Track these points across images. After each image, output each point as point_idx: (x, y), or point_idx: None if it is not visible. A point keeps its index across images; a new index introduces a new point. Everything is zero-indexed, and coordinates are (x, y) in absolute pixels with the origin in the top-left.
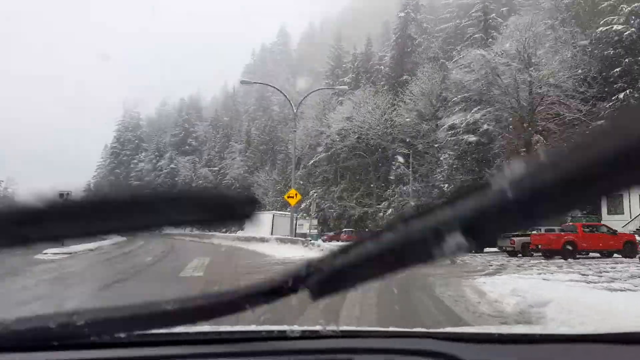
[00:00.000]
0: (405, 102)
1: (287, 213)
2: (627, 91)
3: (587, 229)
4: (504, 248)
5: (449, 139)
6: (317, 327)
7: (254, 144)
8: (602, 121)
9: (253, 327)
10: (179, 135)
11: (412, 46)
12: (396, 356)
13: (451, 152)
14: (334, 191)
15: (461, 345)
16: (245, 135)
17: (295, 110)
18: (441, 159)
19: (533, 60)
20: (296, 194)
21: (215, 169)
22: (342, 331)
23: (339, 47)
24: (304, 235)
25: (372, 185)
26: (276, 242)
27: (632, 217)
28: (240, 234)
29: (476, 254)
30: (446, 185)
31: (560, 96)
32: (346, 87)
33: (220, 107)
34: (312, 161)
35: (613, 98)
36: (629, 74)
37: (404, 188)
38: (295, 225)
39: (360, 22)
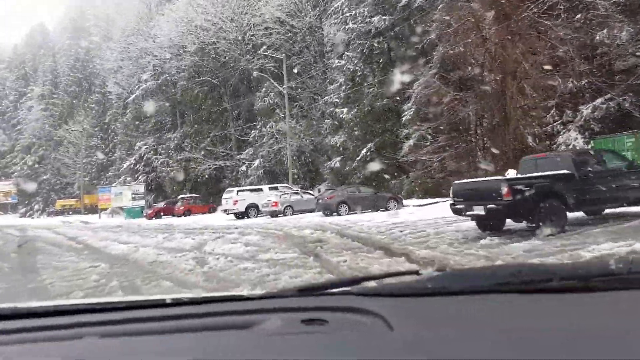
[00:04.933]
0: None
1: None
2: None
3: None
4: None
5: (346, 29)
6: (225, 293)
7: (61, 85)
8: None
9: (158, 297)
10: None
11: None
12: (310, 313)
13: (351, 54)
14: (171, 139)
15: (380, 300)
16: (50, 75)
17: None
18: (335, 66)
19: None
20: None
21: (8, 124)
22: (257, 294)
23: None
24: (120, 210)
25: (228, 126)
26: None
27: None
28: None
29: None
30: (345, 110)
31: None
32: None
33: (23, 45)
34: (132, 97)
35: None
36: None
37: (278, 126)
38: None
39: None
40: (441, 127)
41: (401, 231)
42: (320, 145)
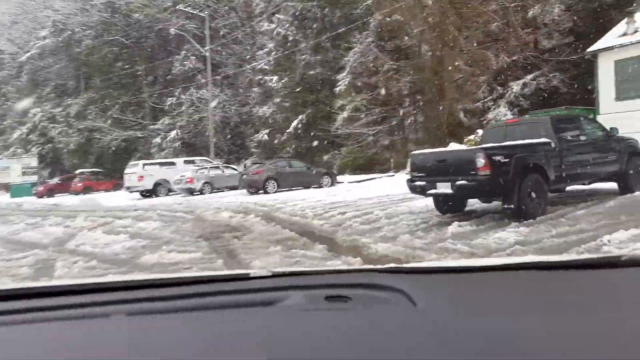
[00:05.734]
0: None
1: None
2: None
3: None
4: None
5: None
6: (249, 270)
7: None
8: None
9: (183, 274)
10: None
11: None
12: (333, 290)
13: (282, 17)
14: (72, 105)
15: (402, 277)
16: None
17: None
18: (264, 30)
19: None
20: None
21: None
22: (280, 272)
23: None
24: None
25: (142, 92)
26: None
27: None
28: None
29: None
30: (274, 78)
31: None
32: None
33: None
34: (27, 55)
35: None
36: None
37: (199, 93)
38: None
39: None
40: (377, 99)
41: (343, 213)
42: (248, 116)
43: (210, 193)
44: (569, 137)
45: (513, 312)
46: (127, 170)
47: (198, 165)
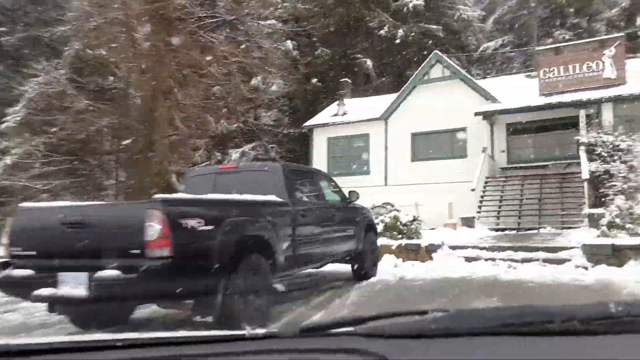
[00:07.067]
0: None
1: None
2: None
3: None
4: None
5: None
6: (231, 332)
7: None
8: None
9: (176, 334)
10: None
11: None
12: (313, 355)
13: None
14: None
15: (382, 341)
16: None
17: None
18: None
19: None
20: None
21: None
22: (262, 334)
23: None
24: None
25: None
26: None
27: None
28: None
29: None
30: None
31: None
32: None
33: None
34: None
35: None
36: None
37: None
38: None
39: None
40: (61, 145)
41: None
42: None
43: None
44: (305, 198)
45: None
46: None
47: None
